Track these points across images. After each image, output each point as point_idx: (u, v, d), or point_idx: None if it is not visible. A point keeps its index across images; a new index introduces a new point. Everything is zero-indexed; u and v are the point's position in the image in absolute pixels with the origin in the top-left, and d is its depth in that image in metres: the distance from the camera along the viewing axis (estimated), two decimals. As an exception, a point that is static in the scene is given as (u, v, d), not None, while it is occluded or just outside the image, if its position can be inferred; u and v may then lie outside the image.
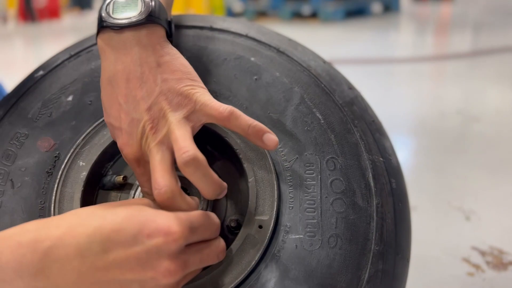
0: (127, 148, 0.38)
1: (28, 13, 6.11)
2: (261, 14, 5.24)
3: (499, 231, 0.85)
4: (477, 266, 0.74)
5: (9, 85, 0.72)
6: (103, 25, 0.39)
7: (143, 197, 0.40)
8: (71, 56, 0.51)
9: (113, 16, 0.39)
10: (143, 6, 0.39)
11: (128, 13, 0.39)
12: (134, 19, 0.38)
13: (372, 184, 0.40)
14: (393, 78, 2.22)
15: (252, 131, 0.38)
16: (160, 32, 0.40)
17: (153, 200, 0.37)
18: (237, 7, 5.42)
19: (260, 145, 0.38)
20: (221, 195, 0.37)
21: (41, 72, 0.51)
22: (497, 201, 0.96)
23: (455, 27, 4.01)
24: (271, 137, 0.38)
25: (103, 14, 0.39)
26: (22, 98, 0.50)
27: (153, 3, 0.40)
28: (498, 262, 0.75)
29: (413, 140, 1.40)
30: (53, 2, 6.42)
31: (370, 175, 0.41)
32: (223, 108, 0.37)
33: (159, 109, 0.37)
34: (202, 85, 0.40)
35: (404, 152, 1.29)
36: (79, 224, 0.32)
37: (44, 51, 3.76)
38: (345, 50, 2.97)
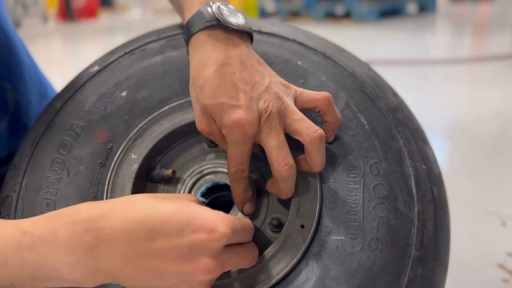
0: (248, 121, 0.39)
1: (67, 12, 6.32)
2: (294, 14, 5.21)
3: (536, 237, 0.83)
4: (512, 273, 0.74)
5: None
6: (214, 24, 0.42)
7: (234, 176, 0.42)
8: (125, 54, 0.54)
9: (226, 19, 0.43)
10: (244, 17, 0.44)
11: (237, 20, 0.43)
12: (244, 26, 0.43)
13: (414, 190, 0.41)
14: (428, 80, 2.18)
15: (335, 124, 0.43)
16: (251, 42, 0.46)
17: (243, 177, 0.41)
18: (270, 7, 5.41)
19: (330, 139, 0.44)
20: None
21: (96, 68, 0.54)
22: (535, 207, 0.94)
23: (494, 28, 3.89)
24: (334, 134, 0.44)
25: (215, 14, 0.42)
26: (78, 91, 0.53)
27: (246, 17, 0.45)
28: (534, 269, 0.74)
29: (449, 143, 1.38)
30: (91, 2, 6.63)
31: (413, 181, 0.41)
32: (321, 93, 0.42)
33: (274, 92, 0.41)
34: None
35: (439, 155, 1.27)
36: (131, 209, 0.34)
37: (82, 49, 3.87)
38: (379, 51, 2.94)
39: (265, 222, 0.45)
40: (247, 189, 0.43)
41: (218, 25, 0.42)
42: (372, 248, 0.39)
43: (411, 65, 2.44)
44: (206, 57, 0.42)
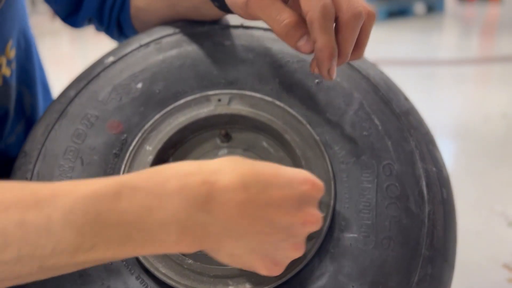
0: None
1: (75, 10, 6.28)
2: (301, 11, 5.17)
3: (543, 238, 0.84)
4: (518, 273, 0.75)
5: (56, 80, 0.76)
6: None
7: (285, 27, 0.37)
8: (140, 46, 0.54)
9: None
10: None
11: None
12: None
13: (425, 192, 0.42)
14: (436, 81, 2.19)
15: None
16: None
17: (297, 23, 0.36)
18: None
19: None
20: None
21: (111, 58, 0.54)
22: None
23: (503, 29, 3.88)
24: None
25: None
26: (92, 81, 0.53)
27: None
28: (540, 269, 0.75)
29: (456, 144, 1.39)
30: (99, 0, 6.58)
31: (424, 183, 0.42)
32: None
33: None
34: None
35: (446, 156, 1.28)
36: (242, 165, 0.33)
37: (89, 47, 3.84)
38: (387, 51, 2.93)
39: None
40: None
41: None
42: (385, 247, 0.40)
43: (419, 66, 2.44)
44: None
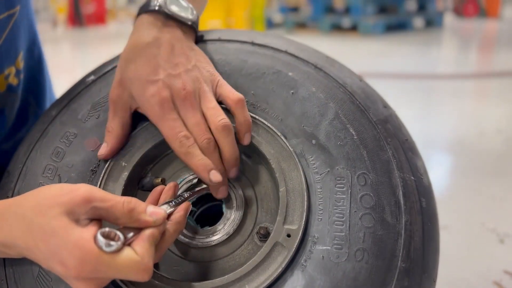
0: (165, 92, 0.44)
1: (76, 18, 6.42)
2: (301, 25, 5.27)
3: (534, 256, 0.82)
4: (508, 291, 0.73)
5: (57, 87, 0.78)
6: (156, 9, 0.48)
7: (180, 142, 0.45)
8: (120, 63, 0.54)
9: (169, 7, 0.48)
10: (192, 13, 0.50)
11: (183, 13, 0.49)
12: (187, 18, 0.49)
13: (402, 201, 0.41)
14: (433, 95, 2.19)
15: (244, 126, 0.45)
16: (194, 35, 0.51)
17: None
18: (277, 18, 5.48)
19: (239, 138, 0.45)
20: (236, 169, 0.46)
21: (92, 77, 0.55)
22: (535, 226, 0.93)
23: (501, 44, 3.89)
24: (248, 136, 0.45)
25: (159, 2, 0.48)
26: (73, 100, 0.54)
27: (196, 14, 0.50)
28: (530, 288, 0.73)
29: (450, 158, 1.37)
30: (100, 9, 6.74)
31: (401, 192, 0.41)
32: (236, 93, 0.46)
33: (193, 75, 0.46)
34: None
35: (440, 170, 1.27)
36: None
37: (90, 55, 3.92)
38: (385, 64, 2.94)
39: (253, 232, 0.45)
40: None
41: (159, 11, 0.47)
42: (358, 259, 0.38)
43: (417, 79, 2.44)
44: (140, 36, 0.47)
